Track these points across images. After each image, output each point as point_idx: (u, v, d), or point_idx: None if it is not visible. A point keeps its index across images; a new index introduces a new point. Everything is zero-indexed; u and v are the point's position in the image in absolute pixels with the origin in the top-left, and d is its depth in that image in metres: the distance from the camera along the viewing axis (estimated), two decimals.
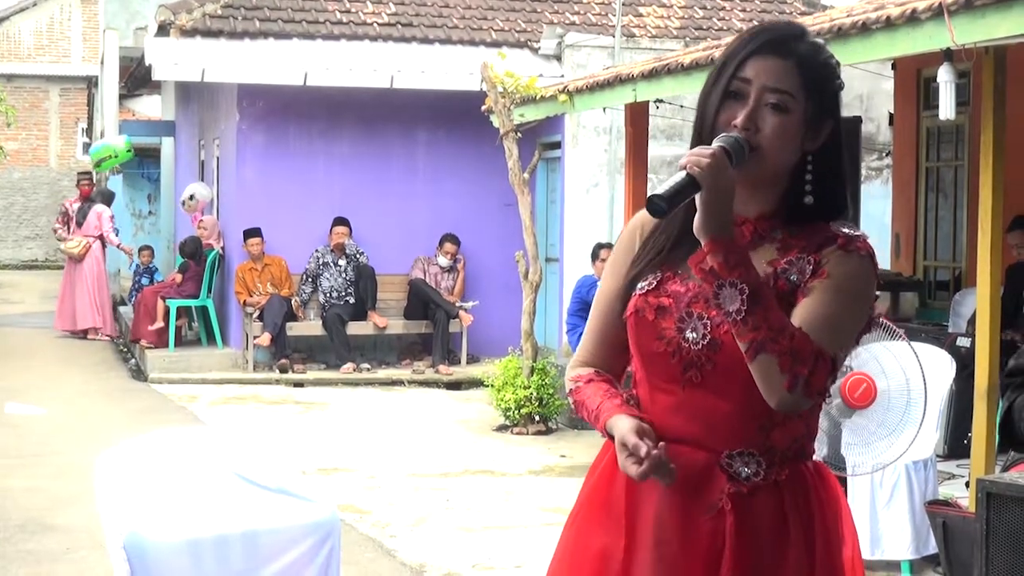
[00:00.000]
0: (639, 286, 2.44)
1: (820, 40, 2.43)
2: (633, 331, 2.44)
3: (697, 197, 2.24)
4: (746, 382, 2.30)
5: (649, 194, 2.23)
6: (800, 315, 2.27)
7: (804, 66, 2.37)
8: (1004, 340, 7.31)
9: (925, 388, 4.74)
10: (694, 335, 2.35)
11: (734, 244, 2.23)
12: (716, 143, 2.30)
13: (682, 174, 2.23)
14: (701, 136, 2.38)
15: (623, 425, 2.34)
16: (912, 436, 4.73)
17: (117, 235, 16.71)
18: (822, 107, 2.39)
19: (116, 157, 17.99)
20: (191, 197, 15.23)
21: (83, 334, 15.89)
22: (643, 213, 2.50)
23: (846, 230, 2.40)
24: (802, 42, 2.39)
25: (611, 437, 2.38)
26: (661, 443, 2.29)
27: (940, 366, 6.53)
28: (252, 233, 13.35)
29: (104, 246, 16.29)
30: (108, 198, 16.86)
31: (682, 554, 2.36)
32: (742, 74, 2.36)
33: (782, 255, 2.37)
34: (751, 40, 2.39)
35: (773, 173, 2.38)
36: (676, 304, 2.39)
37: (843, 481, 4.83)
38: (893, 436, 4.73)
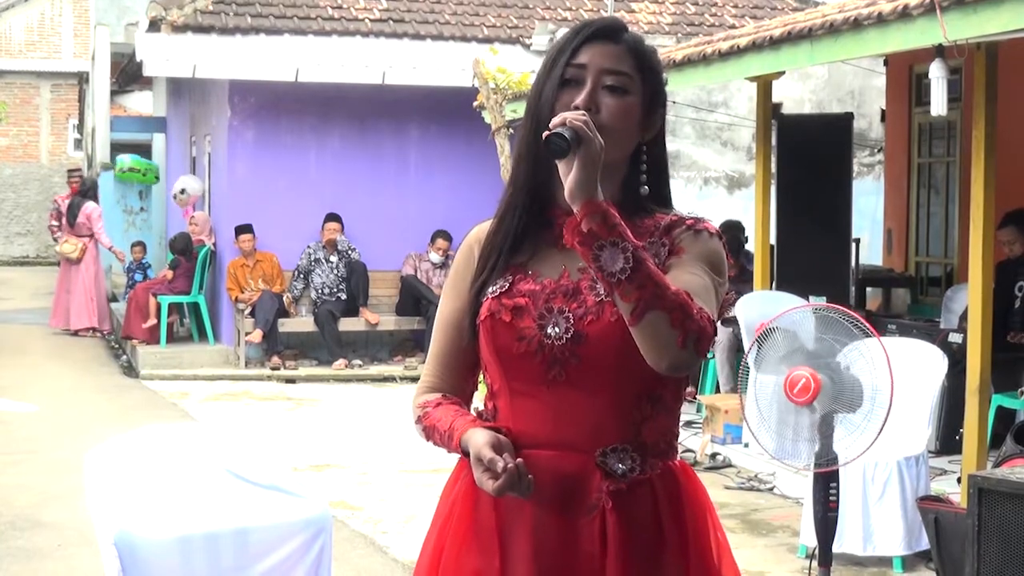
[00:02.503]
0: (489, 291, 2.38)
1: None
2: (489, 335, 2.36)
3: (563, 162, 2.17)
4: (614, 374, 2.29)
5: (546, 133, 2.15)
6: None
7: (635, 51, 2.38)
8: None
9: (891, 389, 4.73)
10: (556, 330, 2.30)
11: (608, 205, 2.15)
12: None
13: (563, 129, 2.16)
14: (539, 127, 2.30)
15: (478, 439, 2.26)
16: (876, 432, 4.72)
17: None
18: (655, 94, 2.40)
19: (143, 175, 18.10)
20: (182, 191, 15.21)
21: (75, 331, 15.86)
22: (476, 231, 2.49)
23: (689, 213, 2.41)
24: (627, 32, 2.41)
25: (467, 455, 2.31)
26: (519, 459, 2.21)
27: (932, 362, 6.54)
28: (243, 229, 13.33)
29: (97, 243, 16.26)
30: (93, 189, 16.80)
31: (563, 562, 2.31)
32: (576, 61, 2.35)
33: None
34: (581, 30, 2.38)
35: (613, 159, 2.31)
36: (533, 302, 2.34)
37: (835, 476, 4.83)
38: (874, 432, 4.73)
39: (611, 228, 2.13)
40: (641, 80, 2.37)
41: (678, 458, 2.43)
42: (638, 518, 2.32)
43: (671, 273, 2.27)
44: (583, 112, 2.21)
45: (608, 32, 2.38)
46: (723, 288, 2.35)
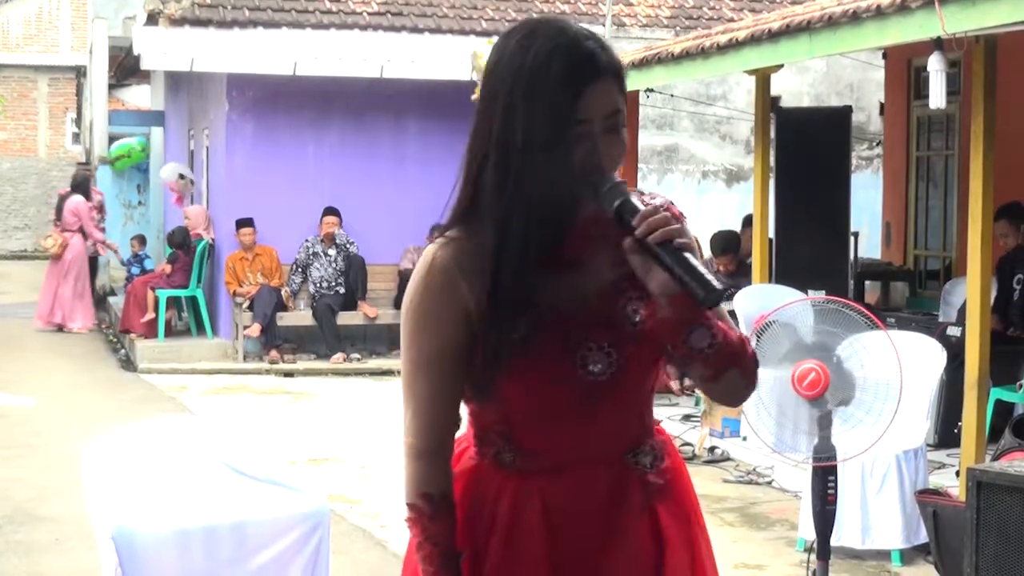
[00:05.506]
0: (515, 336, 2.19)
1: (590, 29, 2.26)
2: (521, 382, 2.21)
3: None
4: (642, 389, 2.31)
5: (713, 290, 2.07)
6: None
7: (619, 75, 2.21)
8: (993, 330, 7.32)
9: (900, 382, 4.73)
10: (599, 367, 2.23)
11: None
12: (631, 201, 2.14)
13: (688, 255, 2.10)
14: (558, 182, 2.15)
15: None
16: (883, 429, 4.72)
17: (102, 230, 16.69)
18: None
19: (130, 157, 18.14)
20: (188, 180, 15.43)
21: (59, 327, 15.74)
22: (453, 254, 2.23)
23: (649, 200, 2.27)
24: (604, 49, 2.20)
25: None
26: None
27: (930, 355, 6.54)
28: (244, 223, 13.32)
29: (86, 238, 16.16)
30: (84, 184, 16.76)
31: (632, 564, 2.29)
32: (581, 116, 2.15)
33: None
34: (574, 72, 2.15)
35: None
36: (568, 340, 2.21)
37: (834, 470, 4.82)
38: (871, 425, 4.73)
39: (694, 312, 2.14)
40: (624, 100, 2.24)
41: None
42: (676, 500, 2.35)
43: None
44: (667, 216, 2.10)
45: (600, 67, 2.18)
46: None
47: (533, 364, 2.21)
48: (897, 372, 4.69)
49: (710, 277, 2.09)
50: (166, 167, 16.44)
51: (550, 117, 2.15)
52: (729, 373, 2.21)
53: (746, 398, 2.31)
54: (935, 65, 6.82)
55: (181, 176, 15.69)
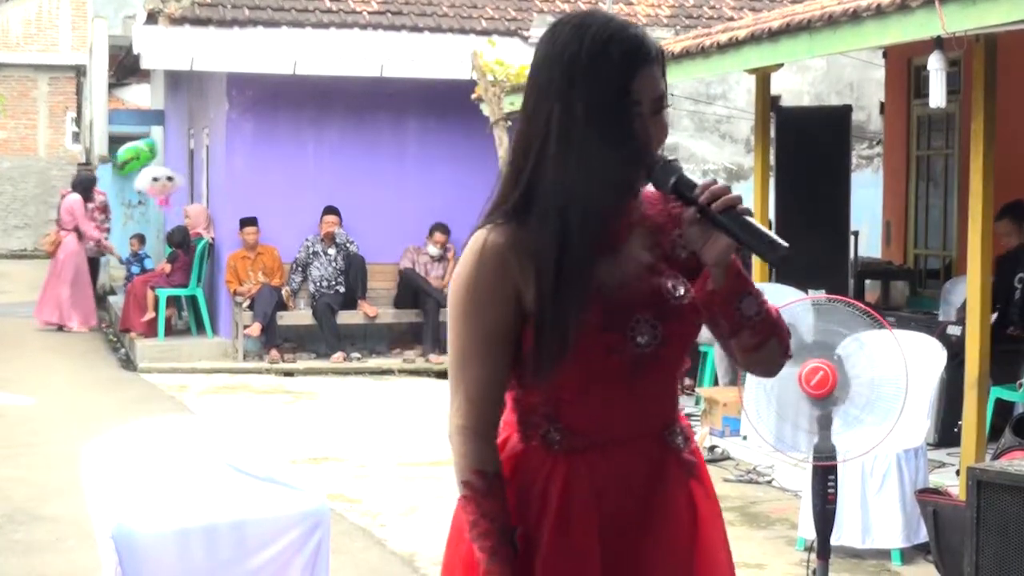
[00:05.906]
0: (574, 317, 2.29)
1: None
2: (576, 356, 2.29)
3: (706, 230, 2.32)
4: (680, 365, 2.42)
5: (780, 247, 2.29)
6: None
7: (662, 61, 2.36)
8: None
9: (906, 380, 4.73)
10: (645, 339, 2.32)
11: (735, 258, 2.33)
12: (687, 176, 2.30)
13: (750, 219, 2.27)
14: (619, 159, 2.27)
15: None
16: (890, 427, 4.72)
17: (105, 231, 16.66)
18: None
19: (139, 159, 18.17)
20: (165, 179, 15.45)
21: (58, 326, 15.71)
22: (504, 240, 2.30)
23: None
24: (647, 37, 2.35)
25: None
26: None
27: (930, 354, 6.54)
28: (249, 222, 13.32)
29: (81, 238, 16.12)
30: (84, 184, 16.73)
31: (669, 547, 2.38)
32: (636, 96, 2.29)
33: (657, 233, 2.39)
34: (629, 57, 2.29)
35: None
36: (614, 315, 2.30)
37: (834, 469, 4.82)
38: (875, 424, 4.73)
39: (744, 280, 2.35)
40: (666, 84, 2.38)
41: None
42: (702, 480, 2.45)
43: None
44: (722, 185, 2.27)
45: (648, 55, 2.32)
46: None
47: (586, 338, 2.28)
48: (901, 371, 4.69)
49: (774, 236, 2.28)
50: (138, 178, 16.46)
51: (609, 98, 2.27)
52: (770, 342, 2.38)
53: (781, 367, 2.46)
54: (935, 64, 6.82)
55: (155, 178, 15.67)
